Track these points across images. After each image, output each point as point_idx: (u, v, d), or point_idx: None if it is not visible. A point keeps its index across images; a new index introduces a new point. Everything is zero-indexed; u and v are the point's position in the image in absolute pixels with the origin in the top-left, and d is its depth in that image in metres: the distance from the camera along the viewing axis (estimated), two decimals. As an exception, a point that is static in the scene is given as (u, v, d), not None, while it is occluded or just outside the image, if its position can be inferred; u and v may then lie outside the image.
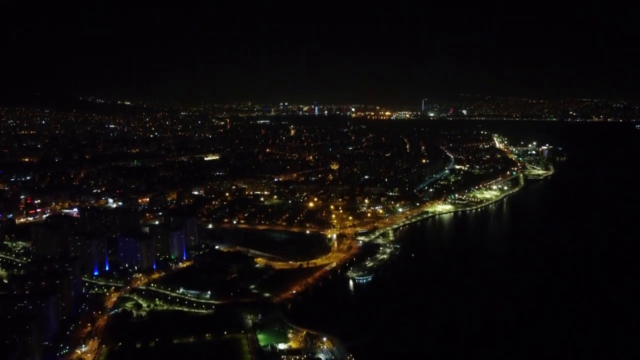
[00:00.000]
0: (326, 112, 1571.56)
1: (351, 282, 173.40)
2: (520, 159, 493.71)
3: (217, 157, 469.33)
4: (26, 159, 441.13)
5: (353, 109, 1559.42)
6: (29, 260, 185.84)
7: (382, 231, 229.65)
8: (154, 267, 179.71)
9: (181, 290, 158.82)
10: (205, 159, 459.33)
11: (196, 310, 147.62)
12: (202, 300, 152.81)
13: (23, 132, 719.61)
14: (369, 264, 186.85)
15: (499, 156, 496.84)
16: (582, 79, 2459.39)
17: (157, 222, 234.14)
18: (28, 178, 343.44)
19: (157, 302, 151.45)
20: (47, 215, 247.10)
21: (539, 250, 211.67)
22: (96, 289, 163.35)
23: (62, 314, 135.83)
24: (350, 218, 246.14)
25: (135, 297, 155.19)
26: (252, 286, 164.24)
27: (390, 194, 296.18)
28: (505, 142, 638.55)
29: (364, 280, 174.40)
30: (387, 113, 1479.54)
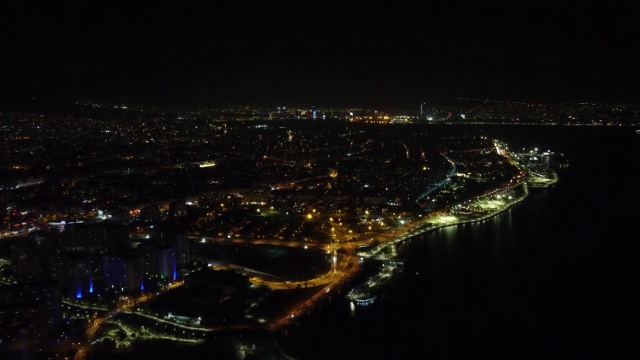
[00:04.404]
0: (324, 116, 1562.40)
1: (352, 305, 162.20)
2: (523, 165, 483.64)
3: (213, 164, 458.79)
4: (17, 167, 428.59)
5: (351, 113, 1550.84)
6: (9, 280, 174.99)
7: (383, 246, 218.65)
8: (142, 288, 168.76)
9: (170, 315, 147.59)
10: (201, 166, 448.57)
11: (185, 340, 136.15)
12: (192, 328, 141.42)
13: (17, 137, 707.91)
14: (371, 284, 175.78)
15: (500, 163, 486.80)
16: (580, 82, 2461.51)
17: (147, 237, 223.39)
18: (17, 187, 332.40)
19: (143, 330, 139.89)
20: (33, 229, 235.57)
21: (549, 267, 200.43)
22: (78, 314, 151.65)
23: (38, 346, 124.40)
24: (350, 231, 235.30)
25: (119, 324, 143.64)
26: (246, 310, 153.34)
27: (391, 204, 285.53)
28: (506, 148, 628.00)
29: (366, 303, 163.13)
30: (386, 117, 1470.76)
